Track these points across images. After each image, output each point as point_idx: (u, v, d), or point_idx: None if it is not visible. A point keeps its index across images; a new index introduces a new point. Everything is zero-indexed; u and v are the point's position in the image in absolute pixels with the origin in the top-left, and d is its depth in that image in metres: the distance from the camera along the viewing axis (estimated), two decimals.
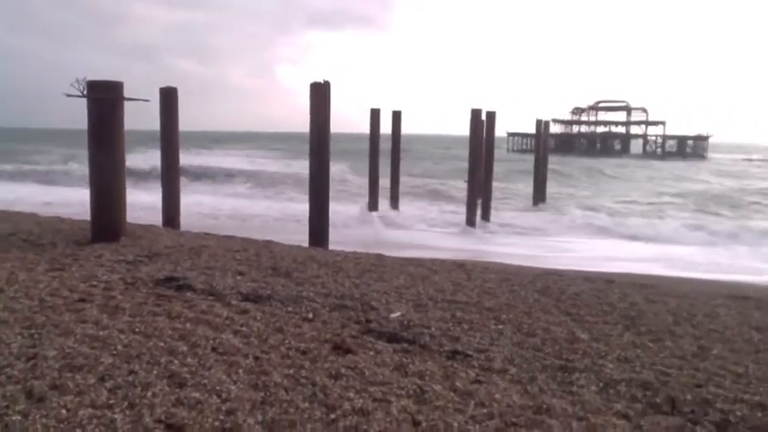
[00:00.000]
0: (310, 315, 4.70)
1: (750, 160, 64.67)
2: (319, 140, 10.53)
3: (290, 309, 4.83)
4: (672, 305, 5.68)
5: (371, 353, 3.94)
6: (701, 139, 70.44)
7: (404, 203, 20.17)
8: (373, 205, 18.64)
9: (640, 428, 3.14)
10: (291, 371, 3.49)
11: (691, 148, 70.21)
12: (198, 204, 18.16)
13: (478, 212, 18.04)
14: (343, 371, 3.54)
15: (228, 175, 30.51)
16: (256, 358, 3.62)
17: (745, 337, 4.88)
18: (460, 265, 7.16)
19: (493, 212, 19.24)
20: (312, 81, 10.70)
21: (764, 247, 14.75)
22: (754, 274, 11.00)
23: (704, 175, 44.60)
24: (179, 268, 6.01)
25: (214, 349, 3.73)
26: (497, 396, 3.35)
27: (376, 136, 18.63)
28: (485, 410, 3.13)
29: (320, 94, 10.63)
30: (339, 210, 15.75)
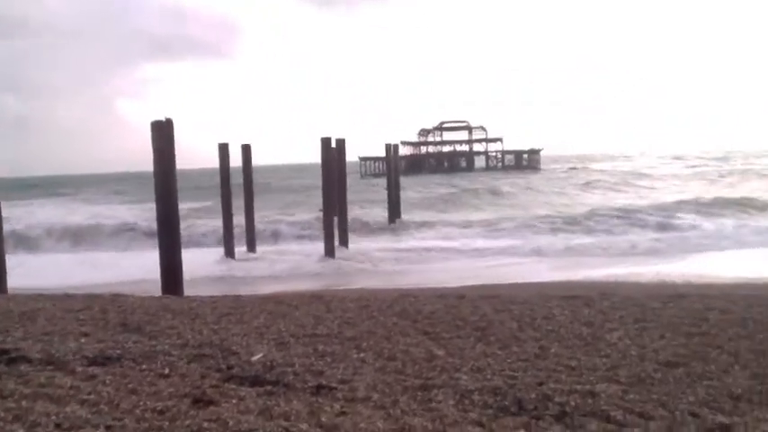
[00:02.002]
0: (166, 370, 4.50)
1: (574, 168, 72.03)
2: (166, 183, 10.13)
3: (143, 367, 4.58)
4: (516, 312, 6.20)
5: (234, 401, 3.87)
6: (535, 153, 77.26)
7: (262, 241, 19.75)
8: (229, 249, 17.82)
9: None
10: None
11: (526, 161, 76.67)
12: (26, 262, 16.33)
13: (336, 240, 18.16)
14: (205, 425, 3.44)
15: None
16: (108, 428, 3.40)
17: (577, 332, 5.47)
18: (319, 297, 7.25)
19: (351, 237, 19.54)
20: (153, 120, 10.31)
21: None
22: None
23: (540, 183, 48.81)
24: (9, 338, 5.44)
25: (58, 425, 3.43)
26: (362, 425, 3.45)
27: (226, 172, 18.03)
28: None
29: (163, 133, 10.26)
30: (192, 257, 14.89)
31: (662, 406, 3.83)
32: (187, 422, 3.49)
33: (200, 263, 15.61)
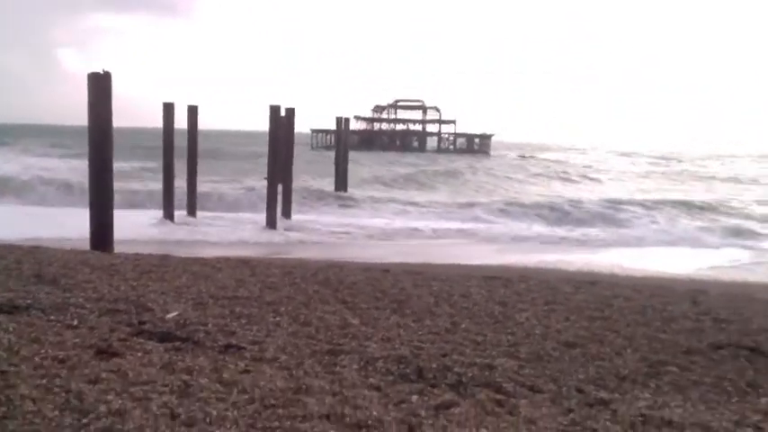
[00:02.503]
0: (75, 322, 4.47)
1: (523, 157, 73.48)
2: (99, 136, 9.84)
3: (51, 317, 4.54)
4: (435, 288, 6.40)
5: (139, 354, 3.90)
6: (486, 138, 78.29)
7: (205, 206, 19.39)
8: (168, 212, 17.42)
9: (388, 396, 3.55)
10: (44, 381, 3.33)
11: (477, 146, 77.64)
12: None
13: (279, 210, 18.03)
14: (104, 375, 3.46)
15: None
16: (2, 373, 3.38)
17: (489, 311, 5.70)
18: (246, 262, 7.27)
19: (295, 208, 19.44)
20: (90, 71, 9.97)
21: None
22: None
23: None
24: None
25: None
26: (262, 383, 3.54)
27: (170, 133, 17.50)
28: (246, 396, 3.30)
29: (100, 85, 9.94)
30: (128, 217, 14.49)
31: (553, 381, 4.07)
32: (86, 371, 3.51)
33: (135, 223, 15.25)
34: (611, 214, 21.94)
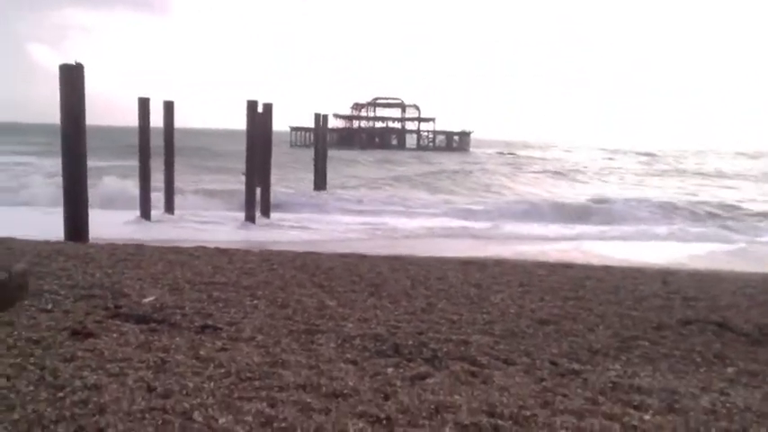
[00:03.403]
0: (50, 306, 4.44)
1: (502, 154, 74.05)
2: (73, 127, 9.71)
3: (25, 303, 4.50)
4: (412, 272, 6.46)
5: (115, 335, 3.89)
6: (465, 135, 78.76)
7: (181, 204, 19.19)
8: (145, 210, 17.16)
9: (364, 369, 3.60)
10: (18, 360, 3.32)
11: (457, 143, 78.06)
12: None
13: (258, 207, 17.91)
14: (79, 353, 3.46)
15: None
16: None
17: (465, 292, 5.77)
18: (223, 251, 7.26)
19: (274, 206, 19.32)
20: (62, 63, 9.84)
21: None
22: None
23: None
24: None
25: None
26: (239, 359, 3.57)
27: (146, 130, 17.23)
28: (222, 371, 3.32)
29: (72, 77, 9.81)
30: (104, 217, 14.24)
31: (526, 355, 4.15)
32: (61, 350, 3.50)
33: (110, 222, 15.02)
34: (589, 210, 21.98)
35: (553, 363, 4.03)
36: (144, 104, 17.20)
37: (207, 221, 17.61)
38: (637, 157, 66.11)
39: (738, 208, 22.93)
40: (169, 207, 18.50)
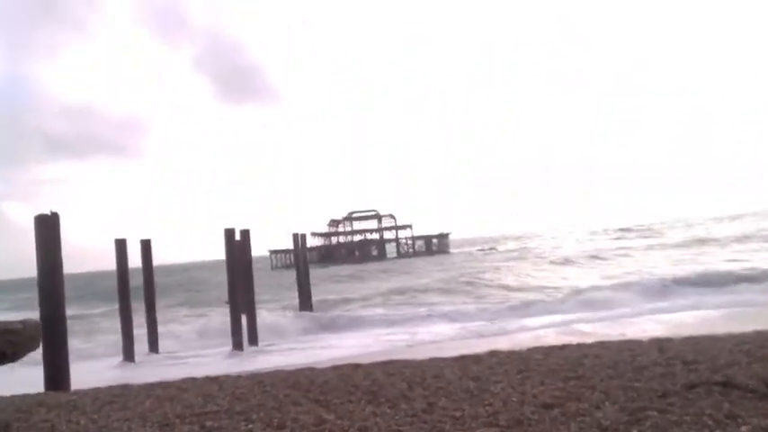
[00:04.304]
0: None
1: (482, 250, 74.88)
2: (50, 273, 9.66)
3: None
4: (407, 374, 6.31)
5: None
6: (444, 237, 79.93)
7: (165, 342, 18.73)
8: (128, 353, 16.70)
9: None
10: None
11: (436, 246, 78.94)
12: None
13: (245, 334, 17.55)
14: None
15: None
16: None
17: (464, 387, 5.63)
18: (213, 379, 7.03)
19: (262, 331, 18.91)
20: (37, 214, 9.97)
21: None
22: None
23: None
24: None
25: None
26: None
27: (124, 270, 17.25)
28: None
29: (47, 226, 9.90)
30: (83, 365, 13.84)
31: None
32: None
33: (93, 369, 14.58)
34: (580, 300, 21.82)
35: None
36: (121, 246, 17.29)
37: (194, 356, 17.15)
38: (626, 235, 67.16)
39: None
40: (153, 347, 18.07)
